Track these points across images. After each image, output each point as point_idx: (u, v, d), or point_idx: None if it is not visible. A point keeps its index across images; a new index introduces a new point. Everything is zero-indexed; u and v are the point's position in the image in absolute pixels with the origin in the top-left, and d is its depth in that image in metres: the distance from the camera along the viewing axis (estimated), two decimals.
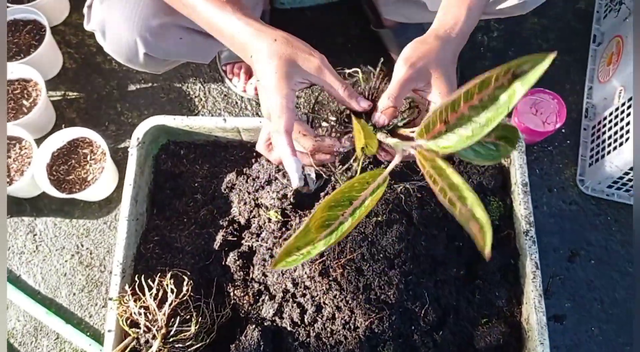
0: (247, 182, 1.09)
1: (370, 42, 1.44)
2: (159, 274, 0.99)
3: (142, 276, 0.96)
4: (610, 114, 1.20)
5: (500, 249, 1.03)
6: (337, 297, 0.92)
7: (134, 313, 0.94)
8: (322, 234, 0.52)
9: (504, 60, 1.43)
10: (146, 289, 0.94)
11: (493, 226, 1.03)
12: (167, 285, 0.95)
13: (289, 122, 0.66)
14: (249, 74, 1.38)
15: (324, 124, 0.77)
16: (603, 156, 1.19)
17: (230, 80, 1.40)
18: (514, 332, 0.99)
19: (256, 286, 1.00)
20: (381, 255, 0.89)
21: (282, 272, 0.98)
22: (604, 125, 1.22)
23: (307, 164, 0.73)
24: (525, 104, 1.26)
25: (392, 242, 0.90)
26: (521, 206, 1.02)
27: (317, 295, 0.93)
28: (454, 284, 0.97)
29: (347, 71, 0.78)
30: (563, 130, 1.33)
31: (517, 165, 1.05)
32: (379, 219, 0.92)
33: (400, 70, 0.70)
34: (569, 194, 1.29)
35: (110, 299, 0.98)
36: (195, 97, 1.43)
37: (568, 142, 1.34)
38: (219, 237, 1.04)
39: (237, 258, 1.02)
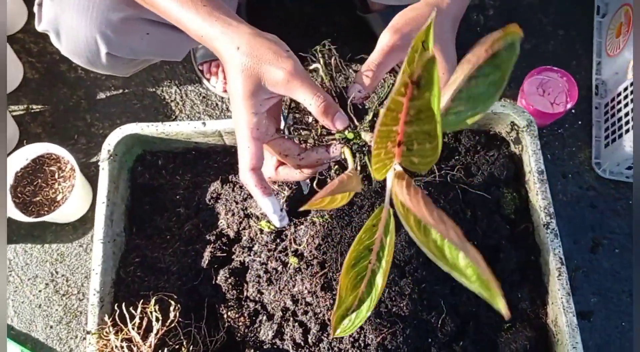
0: (233, 190, 1.02)
1: (358, 30, 1.36)
2: (143, 299, 0.92)
3: (123, 304, 0.89)
4: (625, 89, 1.12)
5: (519, 245, 0.96)
6: None
7: (116, 348, 0.85)
8: (360, 291, 0.47)
9: None
10: (128, 319, 0.86)
11: (508, 220, 0.97)
12: (151, 312, 0.87)
13: (255, 156, 0.61)
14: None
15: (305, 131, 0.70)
16: (621, 136, 1.12)
17: (208, 80, 1.31)
18: (540, 335, 0.92)
19: (252, 305, 0.93)
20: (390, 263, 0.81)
21: (280, 288, 0.90)
22: (619, 102, 1.15)
23: (299, 179, 0.68)
24: (531, 85, 1.18)
25: (400, 248, 0.83)
26: (539, 196, 0.95)
27: (321, 311, 0.86)
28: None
29: (310, 68, 0.70)
30: (573, 111, 1.26)
31: (530, 152, 0.97)
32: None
33: (385, 36, 0.63)
34: (585, 179, 1.22)
35: (89, 332, 0.89)
36: (172, 101, 1.35)
37: (579, 122, 1.27)
38: (206, 254, 0.98)
39: (228, 276, 0.95)
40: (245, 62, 0.61)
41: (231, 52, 0.61)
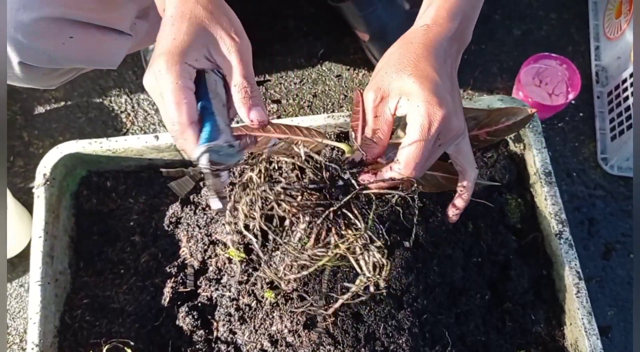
0: (195, 213, 0.94)
1: (329, 21, 1.28)
2: (93, 349, 0.86)
3: None
4: (631, 75, 1.05)
5: (527, 259, 0.90)
6: None
7: None
8: None
9: (491, 27, 1.29)
10: None
11: (515, 230, 0.89)
12: None
13: (191, 109, 0.57)
14: None
15: None
16: (629, 127, 1.05)
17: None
18: None
19: (223, 347, 0.85)
20: (384, 293, 0.72)
21: (255, 328, 0.81)
22: (624, 90, 1.08)
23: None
24: (527, 74, 1.11)
25: (396, 274, 0.74)
26: (547, 201, 0.88)
27: None
28: (479, 314, 0.82)
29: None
30: (573, 102, 1.19)
31: (534, 151, 0.90)
32: (375, 244, 0.74)
33: (368, 97, 0.62)
34: (592, 177, 1.16)
35: None
36: (122, 112, 1.25)
37: (581, 114, 1.20)
38: (168, 289, 0.90)
39: (194, 314, 0.87)
40: (198, 12, 0.59)
41: (191, 3, 0.59)
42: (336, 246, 0.63)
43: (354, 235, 0.62)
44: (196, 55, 0.58)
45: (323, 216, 0.61)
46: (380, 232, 0.77)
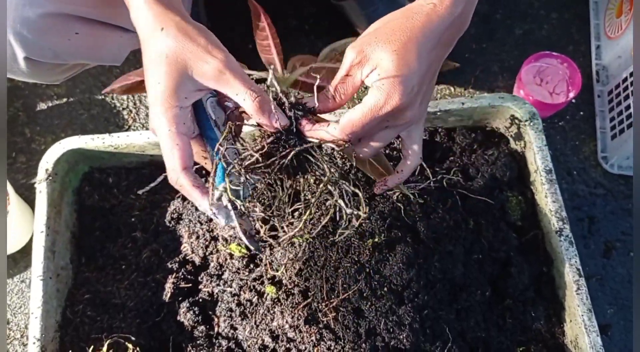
0: (197, 209, 0.93)
1: (332, 20, 1.28)
2: (94, 344, 0.86)
3: None
4: (631, 74, 1.05)
5: (528, 256, 0.90)
6: (332, 349, 0.76)
7: None
8: None
9: (493, 27, 1.29)
10: None
11: (515, 227, 0.89)
12: None
13: (186, 153, 0.57)
14: None
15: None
16: (630, 126, 1.05)
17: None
18: None
19: (224, 343, 0.85)
20: (385, 288, 0.74)
21: (256, 323, 0.81)
22: (625, 89, 1.08)
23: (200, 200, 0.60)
24: (528, 73, 1.11)
25: (397, 270, 0.74)
26: (548, 199, 0.88)
27: (306, 348, 0.79)
28: (479, 310, 0.82)
29: (254, 76, 0.64)
30: (574, 101, 1.19)
31: (535, 149, 0.90)
32: (376, 240, 0.75)
33: (348, 54, 0.60)
34: (592, 176, 1.15)
35: None
36: (124, 109, 1.25)
37: (581, 113, 1.20)
38: (169, 285, 0.91)
39: (195, 310, 0.87)
40: (170, 45, 0.56)
41: (153, 33, 0.56)
42: (311, 192, 0.62)
43: (321, 177, 0.61)
44: (185, 93, 0.57)
45: (277, 163, 0.60)
46: (382, 227, 0.78)
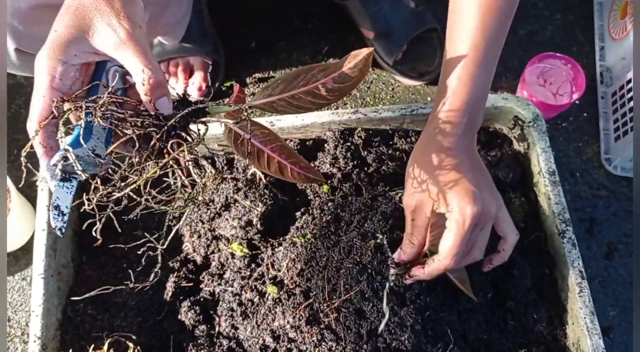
0: (199, 208, 0.94)
1: (335, 19, 1.28)
2: (95, 342, 0.85)
3: (71, 350, 0.83)
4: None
5: (530, 258, 0.89)
6: (333, 349, 0.76)
7: None
8: None
9: None
10: None
11: (518, 229, 0.89)
12: None
13: (43, 109, 0.53)
14: (189, 71, 1.18)
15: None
16: (633, 127, 1.04)
17: (167, 81, 1.20)
18: None
19: (225, 342, 0.85)
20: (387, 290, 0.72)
21: (257, 323, 0.81)
22: (629, 90, 1.07)
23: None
24: (531, 74, 1.10)
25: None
26: (551, 201, 0.87)
27: (307, 348, 0.78)
28: (481, 312, 0.81)
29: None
30: (577, 102, 1.18)
31: (538, 150, 0.90)
32: (378, 241, 0.74)
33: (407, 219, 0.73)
34: (595, 178, 1.15)
35: None
36: None
37: (585, 115, 1.19)
38: (170, 284, 0.90)
39: (196, 309, 0.87)
40: (87, 2, 0.54)
41: None
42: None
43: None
44: (76, 51, 0.54)
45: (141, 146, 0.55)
46: (384, 228, 0.77)
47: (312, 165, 0.90)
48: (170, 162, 0.55)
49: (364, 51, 0.65)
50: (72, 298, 0.89)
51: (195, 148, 0.56)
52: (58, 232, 0.55)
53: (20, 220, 1.08)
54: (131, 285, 0.82)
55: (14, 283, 1.10)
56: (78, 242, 0.96)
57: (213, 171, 0.57)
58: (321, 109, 0.73)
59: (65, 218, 0.56)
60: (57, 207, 0.55)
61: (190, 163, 0.56)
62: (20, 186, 1.14)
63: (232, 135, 0.69)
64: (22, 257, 1.12)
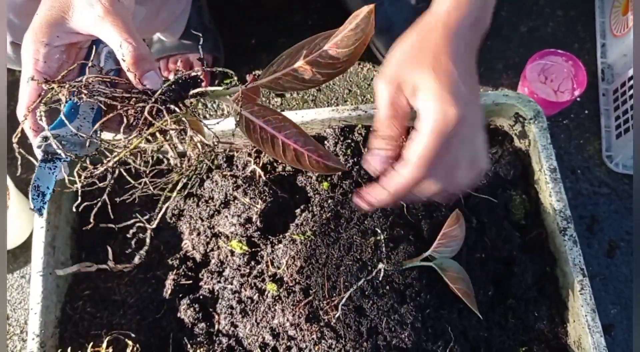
0: (198, 206, 0.93)
1: (335, 15, 1.25)
2: (94, 340, 0.85)
3: (69, 349, 0.82)
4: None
5: (531, 255, 0.88)
6: (333, 347, 0.75)
7: None
8: None
9: (498, 24, 1.27)
10: None
11: (519, 226, 0.88)
12: None
13: (30, 94, 0.54)
14: (189, 68, 1.18)
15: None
16: (634, 125, 1.03)
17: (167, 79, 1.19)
18: None
19: (224, 340, 0.84)
20: (387, 287, 0.73)
21: (257, 321, 0.80)
22: (630, 87, 1.07)
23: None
24: (532, 71, 1.09)
25: (400, 268, 0.72)
26: (552, 198, 0.87)
27: (307, 346, 0.78)
28: (482, 310, 0.80)
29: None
30: (578, 99, 1.18)
31: (539, 147, 0.89)
32: (379, 238, 0.73)
33: (381, 89, 0.58)
34: (596, 175, 1.14)
35: None
36: None
37: (586, 112, 1.19)
38: (169, 282, 0.90)
39: (195, 307, 0.87)
40: None
41: None
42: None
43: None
44: (58, 32, 0.54)
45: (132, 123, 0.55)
46: (384, 225, 0.77)
47: None
48: (160, 136, 0.55)
49: (365, 9, 0.61)
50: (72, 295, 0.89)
51: (184, 118, 0.55)
52: (37, 213, 0.55)
53: (19, 217, 1.07)
54: (120, 266, 0.81)
55: (13, 281, 1.10)
56: (77, 239, 0.96)
57: (202, 140, 0.56)
58: (330, 80, 0.67)
59: (46, 199, 0.55)
60: (36, 188, 0.55)
61: (175, 132, 0.55)
62: (18, 175, 1.14)
63: (244, 121, 0.65)
64: (20, 255, 1.11)
